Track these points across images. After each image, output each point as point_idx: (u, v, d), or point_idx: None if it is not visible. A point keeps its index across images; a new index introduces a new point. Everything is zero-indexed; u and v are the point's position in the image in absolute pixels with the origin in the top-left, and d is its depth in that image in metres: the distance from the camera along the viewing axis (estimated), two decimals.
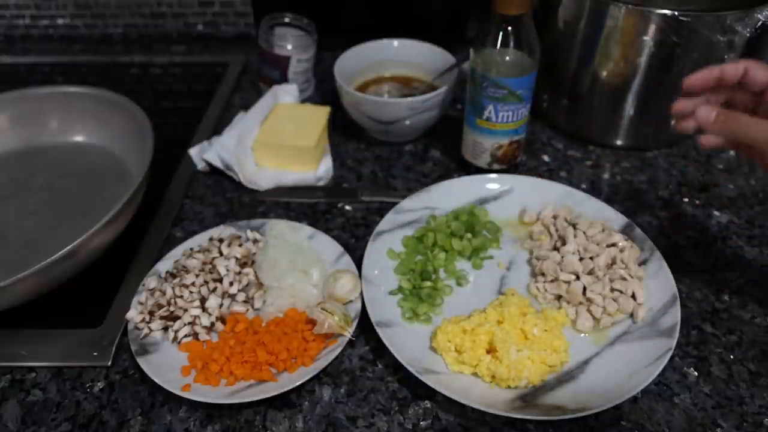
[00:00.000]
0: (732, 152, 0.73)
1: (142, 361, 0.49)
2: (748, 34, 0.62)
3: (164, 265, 0.57)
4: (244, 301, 0.54)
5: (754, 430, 0.46)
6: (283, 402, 0.48)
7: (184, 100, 0.87)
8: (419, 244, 0.60)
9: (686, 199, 0.67)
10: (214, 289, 0.54)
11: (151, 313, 0.52)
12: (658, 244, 0.56)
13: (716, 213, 0.65)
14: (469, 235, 0.60)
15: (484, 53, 0.60)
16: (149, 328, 0.51)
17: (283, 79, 0.81)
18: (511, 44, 0.58)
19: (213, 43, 1.00)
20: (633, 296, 0.52)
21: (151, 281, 0.55)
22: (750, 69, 0.48)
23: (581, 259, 0.55)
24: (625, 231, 0.58)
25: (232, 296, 0.54)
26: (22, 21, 1.01)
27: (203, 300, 0.53)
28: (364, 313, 0.51)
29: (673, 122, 0.49)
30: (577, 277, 0.54)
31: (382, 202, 0.67)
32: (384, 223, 0.60)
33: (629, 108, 0.69)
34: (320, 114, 0.72)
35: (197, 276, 0.54)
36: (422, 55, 0.78)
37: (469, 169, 0.69)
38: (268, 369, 0.49)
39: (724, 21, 0.60)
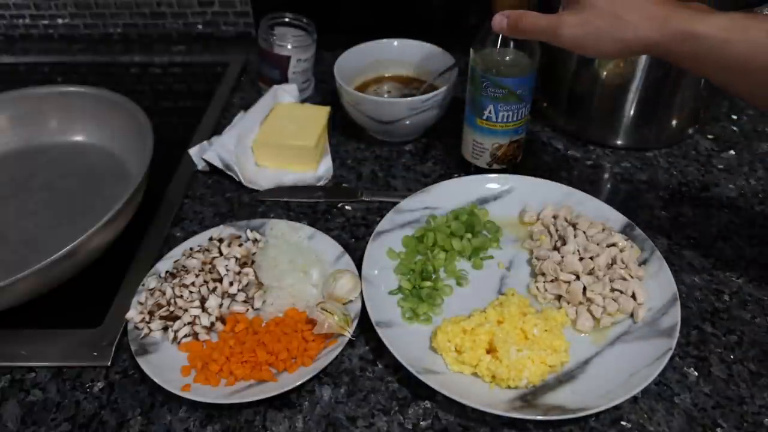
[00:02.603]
0: (732, 152, 0.73)
1: (142, 361, 0.49)
2: None
3: (164, 265, 0.57)
4: (244, 301, 0.54)
5: (754, 430, 0.46)
6: (283, 402, 0.48)
7: (184, 100, 0.87)
8: (419, 244, 0.60)
9: (686, 199, 0.67)
10: (214, 289, 0.54)
11: (151, 313, 0.52)
12: (658, 244, 0.56)
13: (716, 213, 0.65)
14: (469, 235, 0.60)
15: (484, 53, 0.60)
16: (149, 328, 0.51)
17: (283, 79, 0.81)
18: (511, 44, 0.58)
19: (213, 43, 1.00)
20: (633, 296, 0.52)
21: (151, 281, 0.55)
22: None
23: (581, 259, 0.55)
24: (625, 231, 0.58)
25: (232, 296, 0.54)
26: (22, 21, 1.01)
27: (203, 300, 0.53)
28: (364, 313, 0.51)
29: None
30: (577, 277, 0.54)
31: (382, 202, 0.67)
32: (384, 223, 0.60)
33: (629, 108, 0.69)
34: (320, 114, 0.72)
35: (197, 276, 0.54)
36: (422, 55, 0.78)
37: (469, 169, 0.69)
38: (268, 369, 0.49)
39: None
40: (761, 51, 0.42)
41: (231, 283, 0.54)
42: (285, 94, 0.76)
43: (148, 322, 0.52)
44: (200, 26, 1.00)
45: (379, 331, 0.49)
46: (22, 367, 0.51)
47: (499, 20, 0.53)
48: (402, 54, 0.79)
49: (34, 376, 0.51)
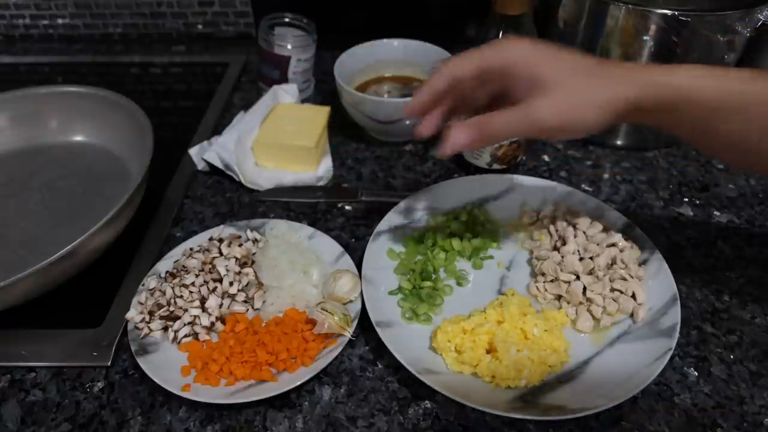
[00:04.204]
0: None
1: (142, 361, 0.49)
2: (748, 34, 0.62)
3: (164, 265, 0.57)
4: (244, 301, 0.54)
5: (754, 430, 0.46)
6: (283, 402, 0.48)
7: (184, 100, 0.87)
8: (419, 244, 0.60)
9: (686, 199, 0.67)
10: (214, 289, 0.54)
11: (151, 313, 0.52)
12: (658, 244, 0.56)
13: (716, 213, 0.65)
14: (469, 235, 0.60)
15: None
16: (149, 328, 0.51)
17: (283, 79, 0.81)
18: None
19: (213, 43, 1.00)
20: (633, 296, 0.52)
21: (151, 281, 0.55)
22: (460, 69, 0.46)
23: (581, 259, 0.55)
24: (625, 231, 0.58)
25: (232, 296, 0.54)
26: (22, 21, 1.01)
27: (203, 300, 0.53)
28: (364, 313, 0.51)
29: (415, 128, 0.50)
30: (577, 277, 0.54)
31: (382, 202, 0.67)
32: (384, 223, 0.60)
33: None
34: (320, 114, 0.72)
35: (197, 276, 0.54)
36: (422, 55, 0.78)
37: (469, 169, 0.69)
38: (268, 369, 0.49)
39: (724, 21, 0.60)
40: (730, 95, 0.41)
41: (231, 283, 0.54)
42: (285, 94, 0.76)
43: (148, 322, 0.52)
44: (200, 26, 1.00)
45: (379, 331, 0.49)
46: (22, 367, 0.51)
47: (456, 137, 0.45)
48: (402, 54, 0.79)
49: (34, 376, 0.51)
